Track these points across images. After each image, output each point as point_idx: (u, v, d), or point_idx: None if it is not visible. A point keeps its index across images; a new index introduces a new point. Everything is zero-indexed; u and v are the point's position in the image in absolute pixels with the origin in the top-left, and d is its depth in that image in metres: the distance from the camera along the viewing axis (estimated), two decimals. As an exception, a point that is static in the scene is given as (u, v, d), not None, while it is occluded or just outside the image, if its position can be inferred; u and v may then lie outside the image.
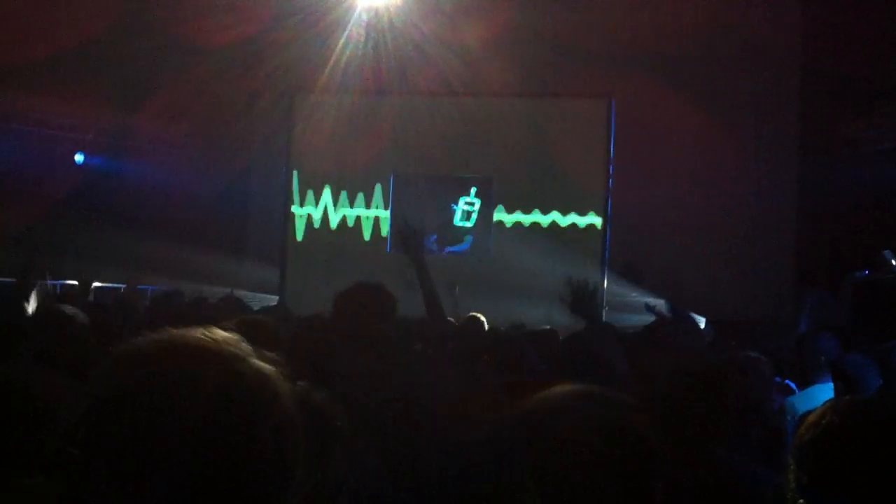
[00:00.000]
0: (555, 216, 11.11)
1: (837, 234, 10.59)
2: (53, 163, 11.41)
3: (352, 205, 11.56)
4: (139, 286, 9.62)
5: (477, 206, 11.34)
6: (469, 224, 11.34)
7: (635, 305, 10.46)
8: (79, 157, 11.65)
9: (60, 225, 10.76)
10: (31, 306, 4.80)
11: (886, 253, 8.09)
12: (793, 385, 3.58)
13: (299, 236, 11.66)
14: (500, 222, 11.31)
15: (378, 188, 11.55)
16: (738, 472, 2.18)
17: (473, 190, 11.35)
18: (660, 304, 10.50)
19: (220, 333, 1.14)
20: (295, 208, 11.67)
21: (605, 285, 10.93)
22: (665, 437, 1.46)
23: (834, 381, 3.29)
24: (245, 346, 1.14)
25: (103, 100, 11.34)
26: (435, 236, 11.29)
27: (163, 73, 11.45)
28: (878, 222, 9.96)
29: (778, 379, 3.50)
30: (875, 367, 3.24)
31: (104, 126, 11.80)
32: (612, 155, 10.98)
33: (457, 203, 11.39)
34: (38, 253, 5.61)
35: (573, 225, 11.06)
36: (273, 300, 11.14)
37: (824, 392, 3.38)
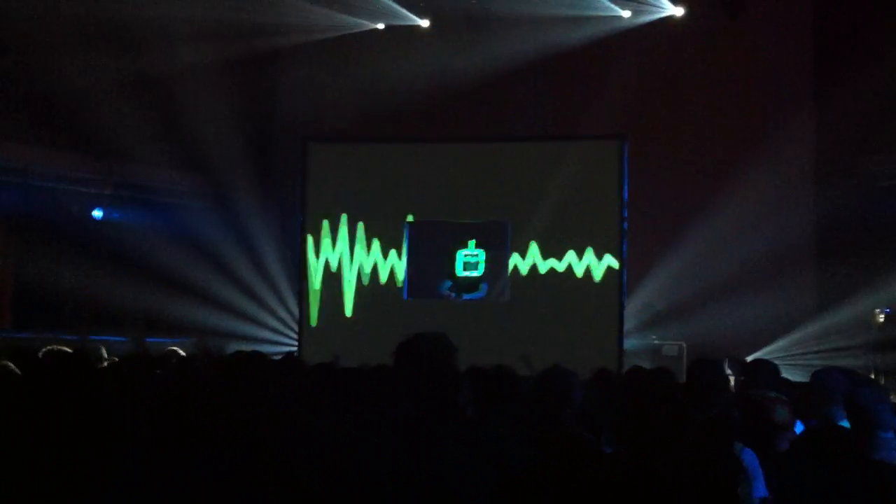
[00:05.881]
0: (571, 259, 11.05)
1: (856, 270, 10.47)
2: (71, 218, 11.48)
3: (368, 253, 11.53)
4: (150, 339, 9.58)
5: (482, 257, 11.22)
6: (477, 273, 11.22)
7: (654, 348, 10.37)
8: (97, 213, 11.71)
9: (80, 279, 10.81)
10: None
11: None
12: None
13: (316, 285, 11.62)
14: (516, 267, 11.22)
15: (393, 235, 11.52)
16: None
17: (472, 242, 11.22)
18: (679, 346, 10.43)
19: None
20: (310, 256, 11.65)
21: (625, 328, 10.83)
22: None
23: (847, 414, 3.23)
24: None
25: (117, 154, 11.41)
26: (449, 283, 11.22)
27: (173, 124, 11.53)
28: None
29: None
30: (889, 402, 3.19)
31: (120, 181, 11.87)
32: (625, 197, 10.96)
33: (455, 255, 11.27)
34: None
35: (589, 268, 10.99)
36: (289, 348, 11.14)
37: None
